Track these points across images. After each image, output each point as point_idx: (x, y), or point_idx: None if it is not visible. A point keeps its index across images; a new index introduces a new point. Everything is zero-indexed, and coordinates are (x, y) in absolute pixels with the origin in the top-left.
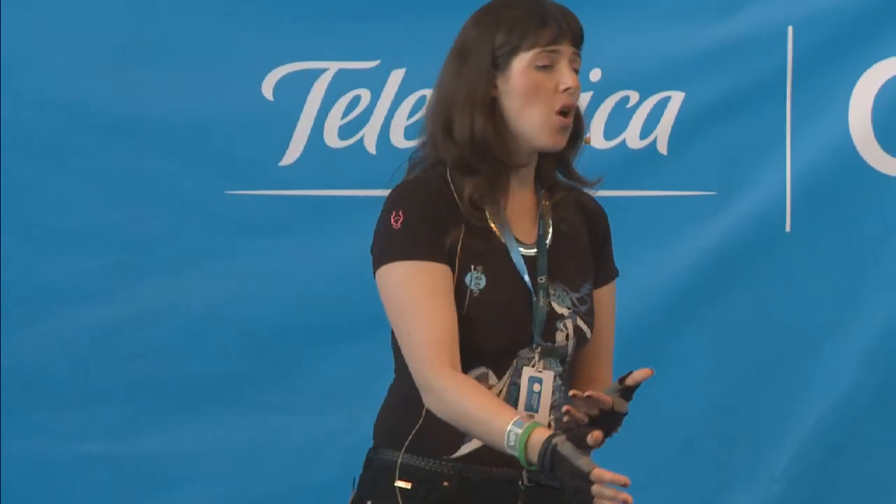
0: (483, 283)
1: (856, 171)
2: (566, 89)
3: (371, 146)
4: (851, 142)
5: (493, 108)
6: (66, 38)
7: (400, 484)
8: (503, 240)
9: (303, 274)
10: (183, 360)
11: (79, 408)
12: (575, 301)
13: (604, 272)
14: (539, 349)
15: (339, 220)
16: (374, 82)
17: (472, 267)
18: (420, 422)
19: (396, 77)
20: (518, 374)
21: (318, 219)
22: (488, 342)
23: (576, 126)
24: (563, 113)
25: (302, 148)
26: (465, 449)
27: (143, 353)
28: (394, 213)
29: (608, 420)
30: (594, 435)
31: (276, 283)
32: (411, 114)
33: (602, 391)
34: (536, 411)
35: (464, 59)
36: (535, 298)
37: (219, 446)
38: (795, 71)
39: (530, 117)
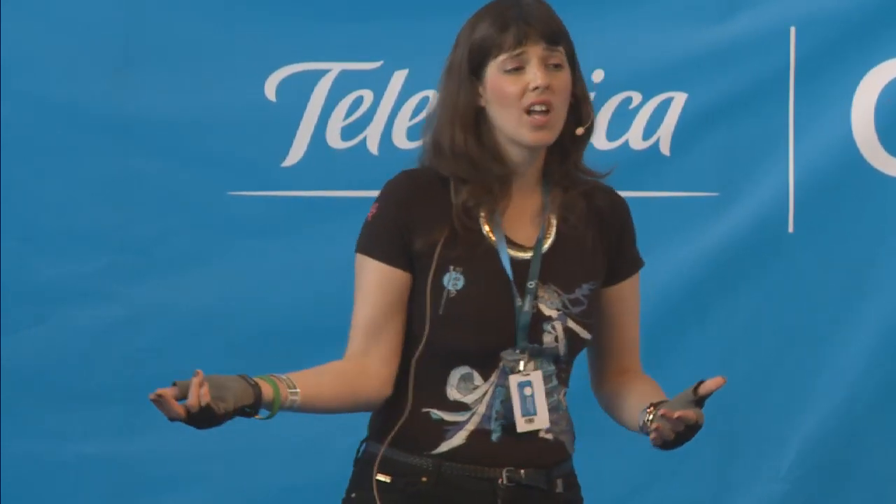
0: (461, 284)
1: (858, 172)
2: (534, 88)
3: (374, 147)
4: (854, 143)
5: (476, 119)
6: (66, 39)
7: (379, 477)
8: (494, 243)
9: (304, 275)
10: (182, 360)
11: (76, 408)
12: (567, 303)
13: (623, 267)
14: (525, 352)
15: (341, 221)
16: (377, 83)
17: (452, 268)
18: (405, 416)
19: (399, 78)
20: (505, 378)
21: (321, 220)
22: (466, 343)
23: (579, 115)
24: (535, 111)
25: (304, 149)
26: (445, 446)
27: (143, 354)
28: (374, 205)
29: (689, 432)
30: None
31: (278, 284)
32: (414, 115)
33: (676, 401)
34: (535, 414)
35: (449, 71)
36: (519, 301)
37: (216, 447)
38: (798, 72)
39: (507, 119)
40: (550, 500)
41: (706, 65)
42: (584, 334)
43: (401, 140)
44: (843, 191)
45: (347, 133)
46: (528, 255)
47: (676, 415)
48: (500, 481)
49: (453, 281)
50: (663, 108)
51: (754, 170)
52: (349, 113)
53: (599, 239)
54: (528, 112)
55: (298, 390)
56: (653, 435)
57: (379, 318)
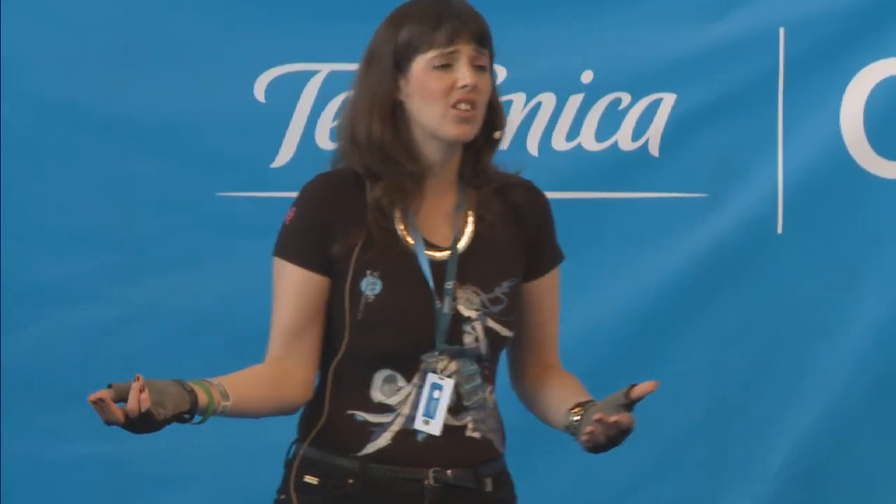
0: (378, 287)
1: (848, 173)
2: (463, 86)
3: None
4: (843, 144)
5: (394, 112)
6: (58, 39)
7: (308, 478)
8: (411, 244)
9: None
10: (175, 361)
11: (71, 408)
12: (486, 302)
13: (542, 262)
14: (444, 353)
15: None
16: None
17: (369, 272)
18: (324, 417)
19: None
20: (424, 378)
21: None
22: (386, 346)
23: (494, 120)
24: (461, 107)
25: (294, 149)
26: (371, 447)
27: (136, 355)
28: (291, 209)
29: (620, 436)
30: None
31: (268, 285)
32: None
33: (606, 404)
34: (433, 418)
35: (370, 63)
36: (438, 304)
37: (211, 447)
38: (787, 73)
39: (430, 114)
40: (480, 499)
41: (695, 66)
42: (505, 332)
43: None
44: (832, 192)
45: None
46: (444, 255)
47: (612, 419)
48: (426, 482)
49: (370, 286)
50: (652, 109)
51: (743, 171)
52: (338, 114)
53: (517, 235)
54: (454, 106)
55: (230, 395)
56: (585, 437)
57: (299, 322)
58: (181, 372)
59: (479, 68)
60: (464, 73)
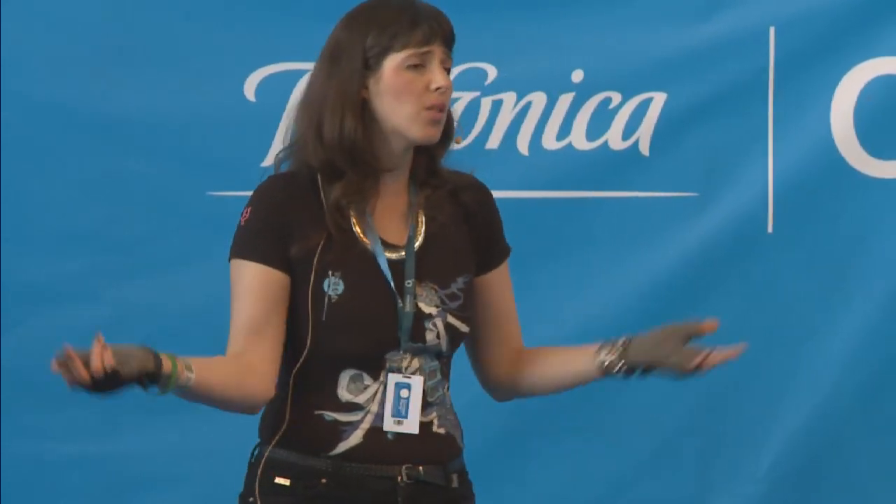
0: (341, 288)
1: (838, 173)
2: (437, 88)
3: None
4: (833, 143)
5: (362, 110)
6: (47, 39)
7: (279, 480)
8: (369, 244)
9: None
10: None
11: (60, 409)
12: (444, 298)
13: (493, 256)
14: (408, 351)
15: None
16: None
17: (331, 273)
18: (287, 417)
19: None
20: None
21: None
22: (351, 347)
23: (447, 126)
24: (433, 109)
25: None
26: (342, 446)
27: None
28: (245, 210)
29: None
30: None
31: None
32: None
33: (662, 336)
34: (406, 417)
35: (335, 60)
36: (400, 303)
37: (200, 446)
38: (777, 72)
39: (401, 113)
40: (448, 495)
41: (686, 65)
42: (463, 328)
43: None
44: (822, 191)
45: None
46: (401, 254)
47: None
48: (399, 479)
49: (333, 286)
50: (643, 108)
51: (734, 170)
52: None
53: (468, 234)
54: (427, 109)
55: (194, 370)
56: (693, 366)
57: (260, 317)
58: None
59: (446, 70)
60: (437, 75)
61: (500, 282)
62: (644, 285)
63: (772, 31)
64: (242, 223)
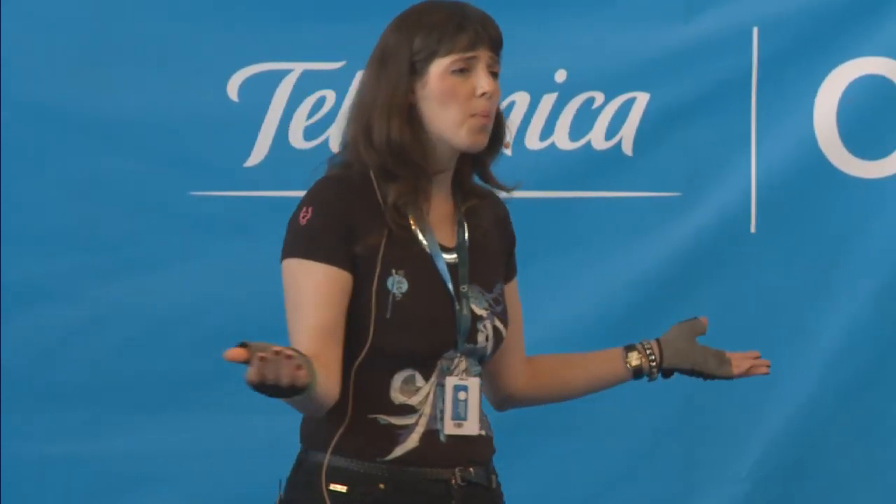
0: (405, 287)
1: (821, 173)
2: (482, 94)
3: (336, 147)
4: (816, 143)
5: (410, 114)
6: (30, 39)
7: (335, 487)
8: (426, 245)
9: (267, 275)
10: (149, 360)
11: (42, 409)
12: (490, 302)
13: (511, 268)
14: (462, 353)
15: None
16: (340, 83)
17: (394, 271)
18: (345, 423)
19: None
20: (444, 377)
21: (284, 220)
22: (412, 346)
23: (497, 130)
24: (479, 115)
25: (267, 149)
26: (399, 450)
27: (108, 354)
28: (304, 210)
29: None
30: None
31: (241, 284)
32: None
33: (684, 335)
34: (465, 419)
35: (383, 64)
36: (458, 306)
37: (184, 447)
38: (760, 72)
39: (446, 120)
40: (490, 495)
41: (669, 65)
42: (505, 332)
43: None
44: (805, 191)
45: (310, 133)
46: (454, 257)
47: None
48: (453, 481)
49: (397, 284)
50: (626, 108)
51: (717, 170)
52: (312, 113)
53: (499, 242)
54: (472, 115)
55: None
56: (743, 371)
57: (331, 319)
58: (154, 371)
59: (493, 75)
60: (482, 80)
61: (513, 294)
62: (627, 285)
63: (755, 31)
64: (303, 223)
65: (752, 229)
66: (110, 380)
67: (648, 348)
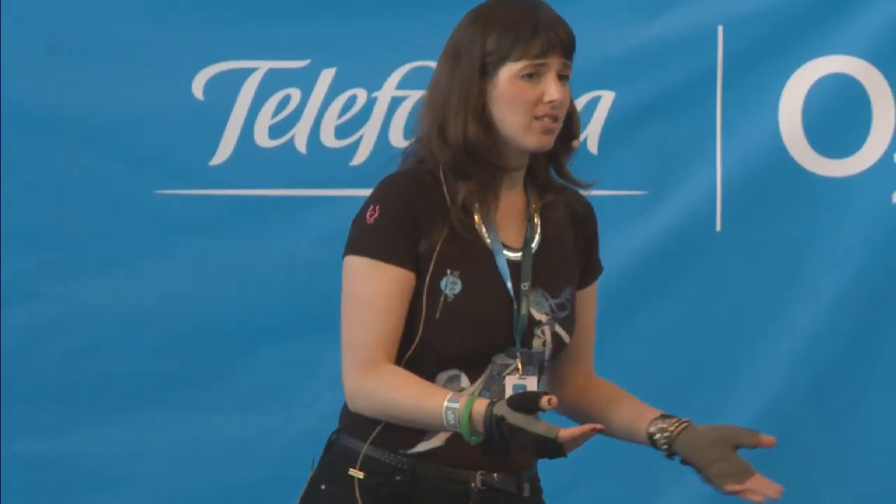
0: (458, 287)
1: (786, 171)
2: (549, 101)
3: (301, 146)
4: (782, 141)
5: (483, 113)
6: None
7: (353, 472)
8: (489, 244)
9: (234, 273)
10: (114, 360)
11: (9, 407)
12: (554, 307)
13: (591, 271)
14: (518, 356)
15: (269, 219)
16: (305, 82)
17: (449, 271)
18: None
19: (327, 76)
20: (493, 380)
21: (249, 218)
22: (461, 346)
23: (570, 127)
24: (545, 118)
25: (232, 147)
26: (422, 446)
27: (75, 354)
28: (372, 207)
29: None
30: (552, 400)
31: (207, 283)
32: (341, 113)
33: (719, 437)
34: None
35: (457, 59)
36: (515, 305)
37: (152, 446)
38: (726, 70)
39: (512, 122)
40: (518, 503)
41: (634, 63)
42: (567, 339)
43: (328, 138)
44: (770, 190)
45: (275, 131)
46: (517, 255)
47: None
48: (473, 484)
49: (450, 285)
50: (591, 106)
51: (682, 169)
52: (277, 111)
53: (575, 243)
54: (538, 118)
55: None
56: (736, 491)
57: (399, 327)
58: (119, 370)
59: (563, 79)
60: (551, 88)
61: (587, 300)
62: None
63: (720, 29)
64: (370, 221)
65: (718, 228)
66: (76, 379)
67: (673, 427)
